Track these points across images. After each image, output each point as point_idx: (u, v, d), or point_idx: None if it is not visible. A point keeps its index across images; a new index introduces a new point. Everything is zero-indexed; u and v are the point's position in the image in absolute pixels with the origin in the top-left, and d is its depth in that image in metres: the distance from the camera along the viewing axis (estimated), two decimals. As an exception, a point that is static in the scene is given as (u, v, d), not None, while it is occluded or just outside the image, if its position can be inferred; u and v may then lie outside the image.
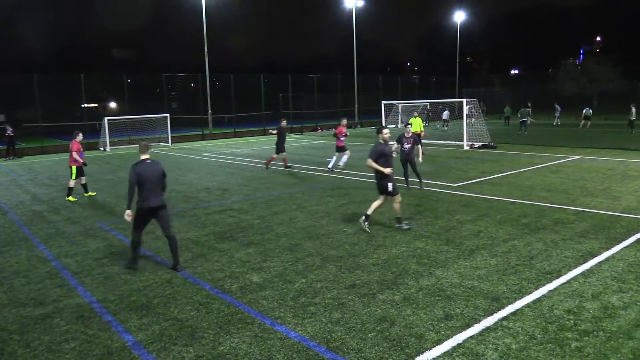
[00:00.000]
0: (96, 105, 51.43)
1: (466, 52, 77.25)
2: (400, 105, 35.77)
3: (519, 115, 30.86)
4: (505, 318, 5.33)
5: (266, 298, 6.10)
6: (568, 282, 6.29)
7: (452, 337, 4.96)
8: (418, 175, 12.72)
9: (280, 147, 17.38)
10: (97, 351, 4.95)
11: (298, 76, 46.24)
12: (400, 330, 5.13)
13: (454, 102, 35.82)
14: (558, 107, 36.66)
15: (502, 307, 5.60)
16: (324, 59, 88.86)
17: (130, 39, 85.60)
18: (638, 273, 6.52)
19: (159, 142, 32.61)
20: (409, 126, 13.11)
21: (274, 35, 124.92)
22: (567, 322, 5.19)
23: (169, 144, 31.47)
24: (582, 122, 32.82)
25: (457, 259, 7.26)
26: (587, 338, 4.86)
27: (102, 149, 29.24)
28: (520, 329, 5.08)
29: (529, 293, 5.97)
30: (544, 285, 6.20)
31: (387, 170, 8.63)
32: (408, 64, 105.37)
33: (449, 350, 4.72)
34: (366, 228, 8.87)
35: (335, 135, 16.89)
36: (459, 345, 4.80)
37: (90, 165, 19.01)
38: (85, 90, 33.54)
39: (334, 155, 16.94)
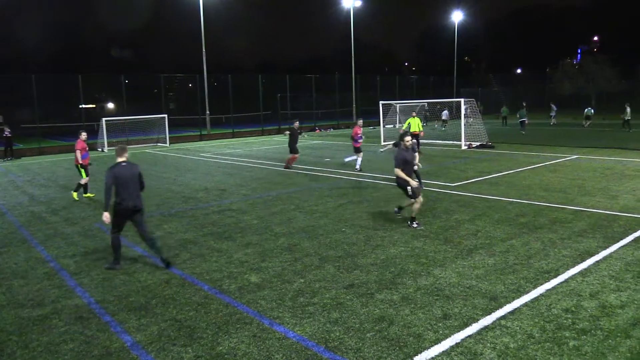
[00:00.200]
0: (94, 105, 51.45)
1: (464, 52, 77.30)
2: (398, 105, 35.79)
3: (518, 116, 30.92)
4: (503, 317, 5.35)
5: (265, 298, 6.10)
6: (566, 281, 6.31)
7: (450, 336, 4.97)
8: (418, 176, 12.74)
9: (292, 148, 17.34)
10: (95, 352, 4.95)
11: (296, 76, 46.29)
12: (398, 330, 5.14)
13: (452, 102, 35.86)
14: (554, 107, 36.71)
15: (500, 306, 5.62)
16: (322, 59, 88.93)
17: (128, 40, 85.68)
18: (635, 272, 6.54)
19: (157, 142, 32.60)
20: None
21: (272, 35, 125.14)
22: (565, 321, 5.21)
23: (167, 145, 31.44)
24: (585, 121, 32.94)
25: (455, 259, 7.28)
26: (584, 337, 4.88)
27: (100, 149, 29.19)
28: (518, 328, 5.10)
29: (527, 292, 5.98)
30: (541, 284, 6.21)
31: (413, 183, 8.94)
32: (406, 64, 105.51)
33: (447, 349, 4.73)
34: (417, 226, 9.05)
35: (351, 137, 16.79)
36: (457, 344, 4.82)
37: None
38: (83, 91, 33.51)
39: (355, 156, 16.81)
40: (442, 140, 26.42)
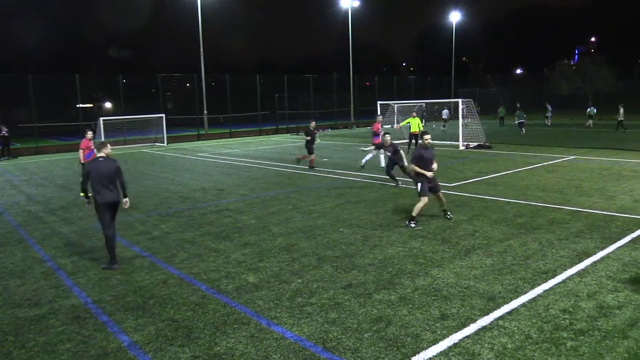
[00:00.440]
0: (91, 105, 51.35)
1: (462, 52, 77.42)
2: (396, 105, 35.80)
3: (517, 118, 30.96)
4: (501, 317, 5.35)
5: (262, 298, 6.09)
6: (563, 281, 6.32)
7: (448, 336, 4.97)
8: (410, 175, 12.75)
9: (309, 148, 17.35)
10: (92, 352, 4.93)
11: (294, 76, 46.28)
12: (396, 330, 5.14)
13: (450, 102, 35.87)
14: (549, 107, 36.73)
15: (498, 306, 5.62)
16: (320, 60, 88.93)
17: (127, 40, 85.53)
18: (633, 272, 6.55)
19: (155, 142, 32.53)
20: (388, 135, 13.34)
21: (270, 35, 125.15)
22: (563, 322, 5.21)
23: (165, 144, 31.39)
24: (588, 121, 33.02)
25: (453, 259, 7.28)
26: (582, 337, 4.88)
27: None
28: (516, 328, 5.10)
29: (525, 293, 5.99)
30: (539, 284, 6.22)
31: (429, 174, 9.07)
32: (404, 64, 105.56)
33: (445, 349, 4.73)
34: (415, 226, 9.09)
35: (373, 133, 16.64)
36: (455, 344, 4.82)
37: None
38: (81, 91, 33.43)
39: (370, 155, 16.73)
40: (439, 140, 26.43)
